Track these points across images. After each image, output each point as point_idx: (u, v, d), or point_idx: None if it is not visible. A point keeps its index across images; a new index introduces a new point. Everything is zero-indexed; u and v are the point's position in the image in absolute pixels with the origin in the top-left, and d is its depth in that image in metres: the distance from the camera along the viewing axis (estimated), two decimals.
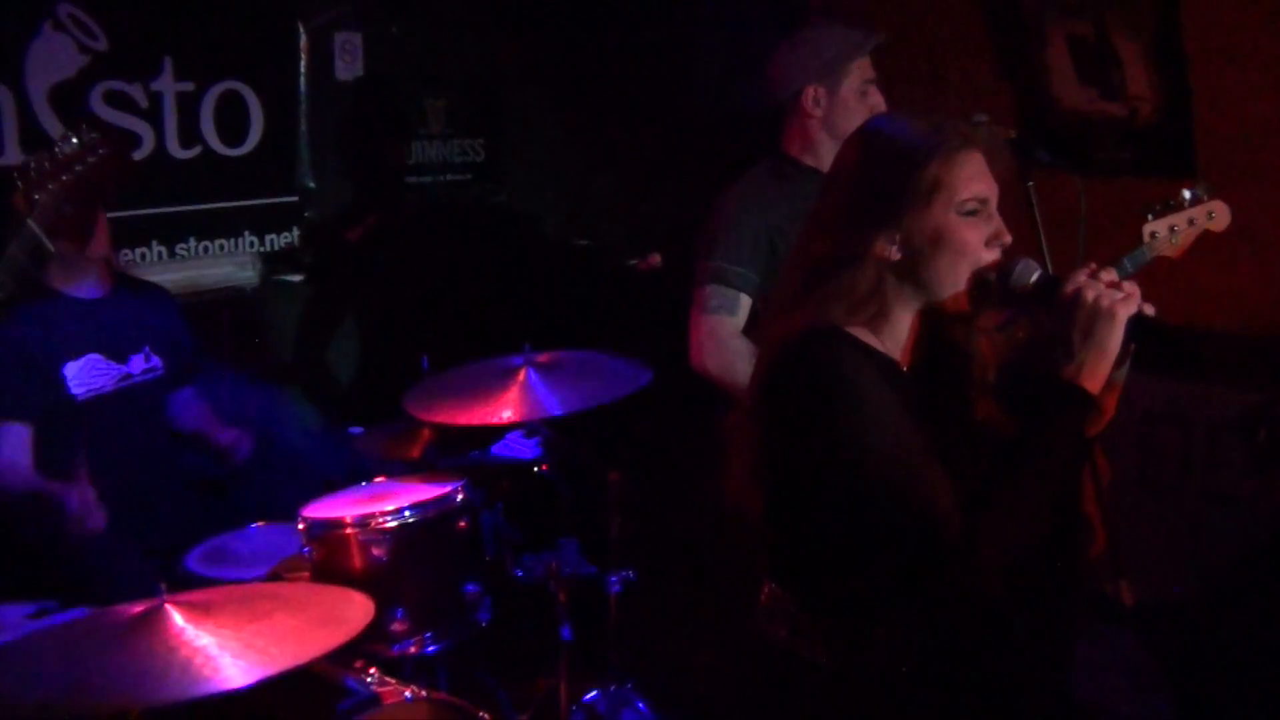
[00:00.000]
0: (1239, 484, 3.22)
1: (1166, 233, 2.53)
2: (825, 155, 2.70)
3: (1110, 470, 3.19)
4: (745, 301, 2.65)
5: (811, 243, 1.67)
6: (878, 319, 1.64)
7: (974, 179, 1.64)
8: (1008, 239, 1.66)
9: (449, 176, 4.16)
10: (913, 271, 1.64)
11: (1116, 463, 3.32)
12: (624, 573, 2.76)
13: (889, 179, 1.62)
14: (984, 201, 1.64)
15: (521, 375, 2.68)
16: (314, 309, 3.89)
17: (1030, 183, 2.46)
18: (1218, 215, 2.59)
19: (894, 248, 1.63)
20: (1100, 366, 1.57)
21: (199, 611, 1.71)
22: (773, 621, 1.69)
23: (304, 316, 3.88)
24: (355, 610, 1.83)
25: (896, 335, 1.66)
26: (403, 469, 2.84)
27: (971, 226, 1.63)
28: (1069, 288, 1.59)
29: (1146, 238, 2.53)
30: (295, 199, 3.84)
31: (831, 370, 1.54)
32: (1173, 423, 3.40)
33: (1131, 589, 2.49)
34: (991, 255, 1.65)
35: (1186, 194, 2.57)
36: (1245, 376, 3.22)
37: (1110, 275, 1.60)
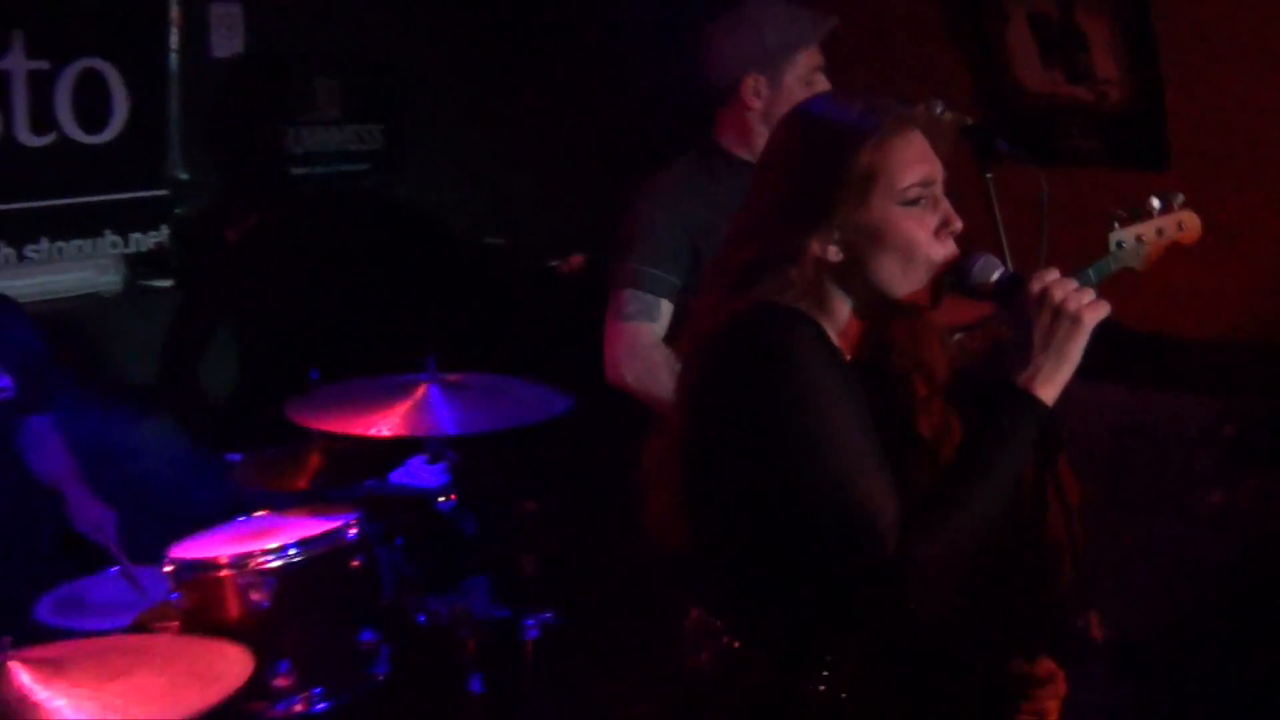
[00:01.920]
0: (1213, 502, 3.31)
1: (1133, 243, 2.56)
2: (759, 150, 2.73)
3: (1079, 491, 3.25)
4: (666, 308, 2.67)
5: (737, 247, 1.68)
6: (815, 310, 1.66)
7: (914, 162, 1.66)
8: (958, 225, 1.69)
9: (342, 167, 4.13)
10: (857, 274, 1.66)
11: (1085, 483, 3.40)
12: (541, 615, 2.75)
13: (818, 171, 1.63)
14: (928, 186, 1.66)
15: (421, 391, 2.69)
16: (186, 319, 3.82)
17: (989, 174, 2.50)
18: (1188, 227, 2.62)
19: (831, 248, 1.65)
20: (1059, 375, 1.61)
21: (49, 669, 1.68)
22: (699, 650, 1.70)
23: (174, 327, 3.81)
24: (232, 665, 1.81)
25: (837, 329, 1.68)
26: (288, 501, 2.83)
27: (916, 218, 1.65)
28: (1035, 287, 1.61)
29: (1113, 247, 2.56)
30: (165, 193, 3.76)
31: (783, 350, 1.55)
32: (1145, 439, 3.47)
33: (1103, 622, 2.53)
34: (944, 248, 1.68)
35: (1155, 202, 2.60)
36: (1223, 385, 3.31)
37: (1073, 283, 1.64)
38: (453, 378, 2.79)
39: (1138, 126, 3.45)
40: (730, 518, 1.63)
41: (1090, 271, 2.54)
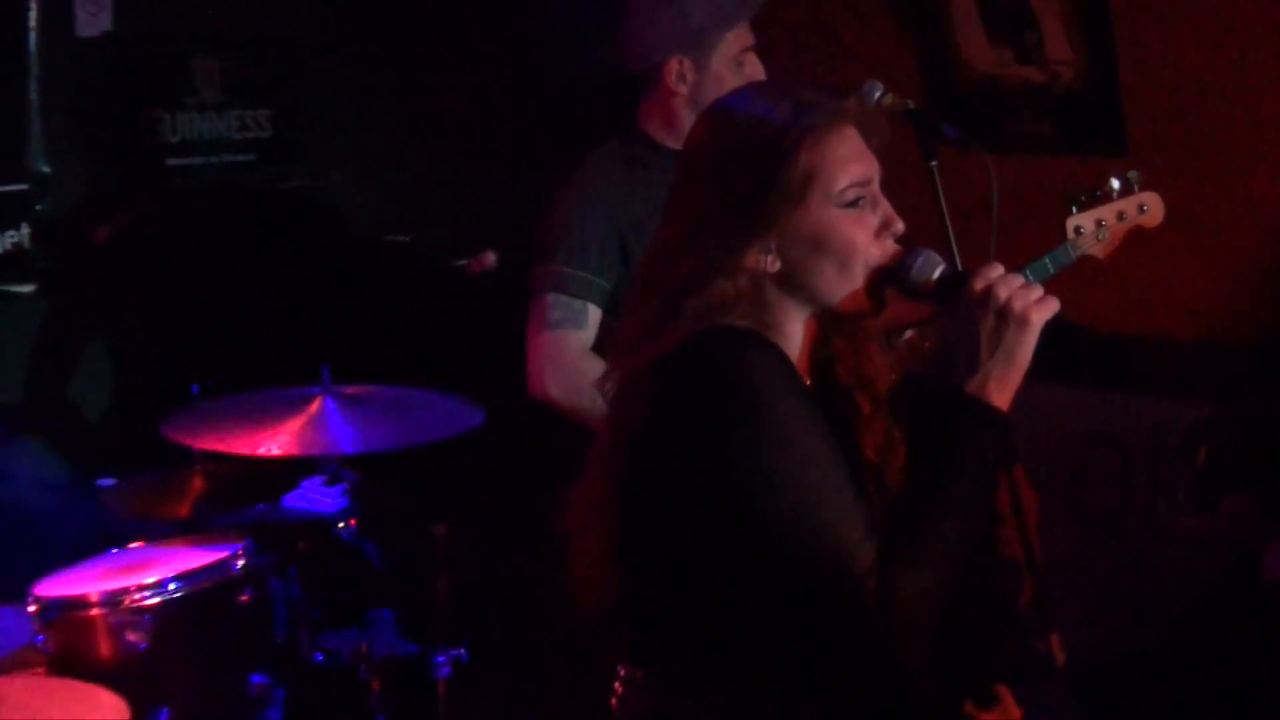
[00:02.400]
0: (1183, 513, 3.36)
1: (1093, 228, 2.63)
2: None
3: (1038, 503, 3.29)
4: (594, 313, 2.68)
5: (665, 264, 1.69)
6: (767, 329, 1.68)
7: (850, 161, 1.68)
8: (899, 226, 1.69)
9: (225, 157, 4.07)
10: (796, 281, 1.69)
11: (1044, 494, 3.44)
12: (454, 652, 2.75)
13: (752, 178, 1.65)
14: (865, 185, 1.69)
15: (315, 406, 2.68)
16: (50, 328, 3.75)
17: (934, 162, 2.50)
18: (1150, 209, 2.67)
19: (770, 258, 1.67)
20: (1010, 379, 1.62)
21: None
22: (633, 702, 1.70)
23: (37, 338, 3.74)
24: (104, 712, 1.78)
25: (793, 348, 1.70)
26: (167, 530, 2.81)
27: (856, 220, 1.68)
28: (977, 285, 1.64)
29: (1070, 234, 2.63)
30: (24, 187, 3.66)
31: (747, 377, 1.57)
32: (1109, 445, 3.52)
33: (1064, 645, 2.56)
34: (884, 249, 1.69)
35: (1115, 183, 2.65)
36: (1190, 388, 3.37)
37: (1020, 279, 1.65)
38: (351, 390, 2.78)
39: (1093, 110, 3.50)
40: (682, 564, 1.63)
41: (1047, 261, 2.59)
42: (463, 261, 4.05)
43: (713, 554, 1.60)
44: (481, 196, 4.28)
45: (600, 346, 2.67)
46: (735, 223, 1.65)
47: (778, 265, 1.67)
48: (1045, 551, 2.95)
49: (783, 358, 1.62)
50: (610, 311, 2.68)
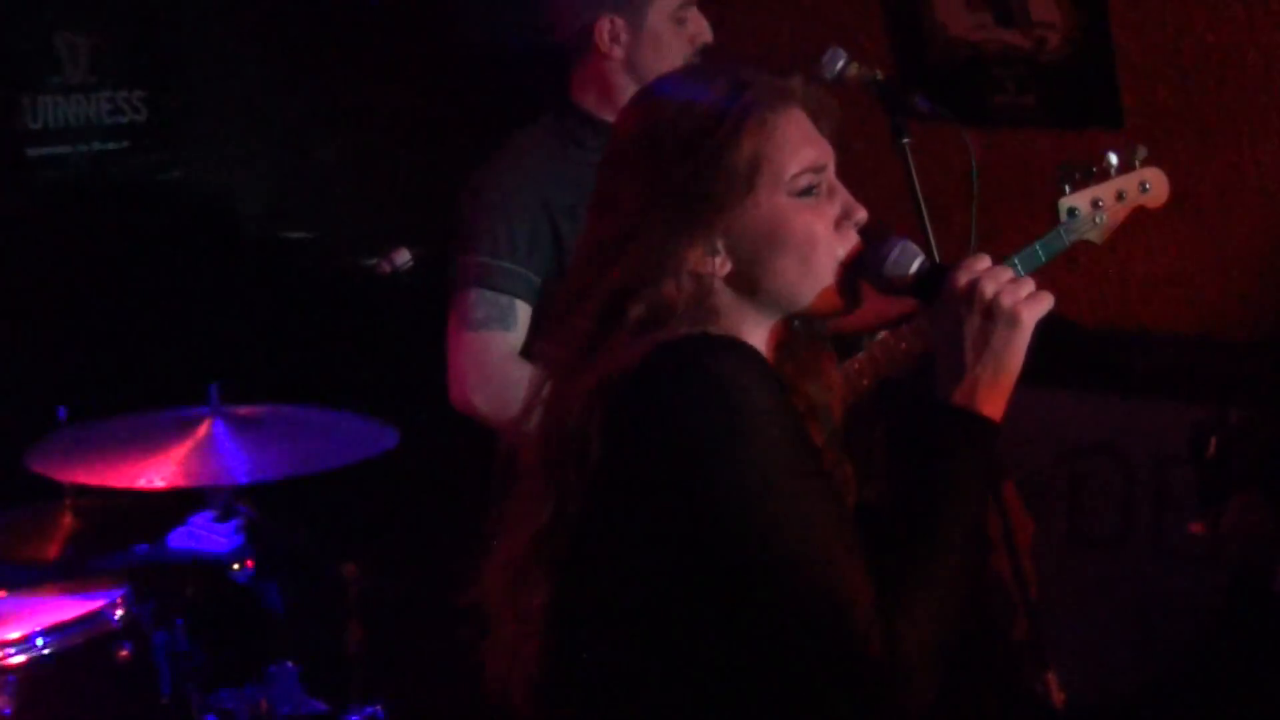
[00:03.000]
0: (1193, 533, 3.33)
1: (1089, 209, 2.65)
2: None
3: (1032, 525, 3.31)
4: (523, 311, 2.69)
5: (596, 270, 1.69)
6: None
7: (800, 145, 1.69)
8: (862, 214, 1.70)
9: (96, 145, 4.05)
10: (756, 284, 1.69)
11: (1037, 513, 3.46)
12: (368, 709, 2.73)
13: (689, 167, 1.65)
14: (819, 171, 1.69)
15: (203, 429, 2.67)
16: None
17: (906, 140, 2.52)
18: (1153, 186, 2.70)
19: (718, 259, 1.67)
20: (1000, 385, 1.62)
21: None
22: None
23: None
24: None
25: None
26: (33, 576, 2.76)
27: (812, 209, 1.69)
28: (961, 279, 1.64)
29: (1063, 216, 2.64)
30: None
31: (731, 390, 1.55)
32: (1108, 456, 3.55)
33: (1063, 684, 2.57)
34: (848, 241, 1.70)
35: (1113, 158, 2.67)
36: (1197, 389, 3.39)
37: (1009, 273, 1.65)
38: (244, 411, 2.77)
39: (1083, 78, 3.53)
40: (639, 626, 1.61)
41: (1038, 248, 2.61)
42: (373, 260, 3.95)
43: (682, 611, 1.59)
44: (394, 185, 4.26)
45: (531, 349, 2.67)
46: (673, 219, 1.65)
47: (729, 266, 1.67)
48: (1040, 578, 2.96)
49: (773, 371, 1.63)
50: (542, 309, 2.69)
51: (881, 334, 2.73)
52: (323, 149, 4.36)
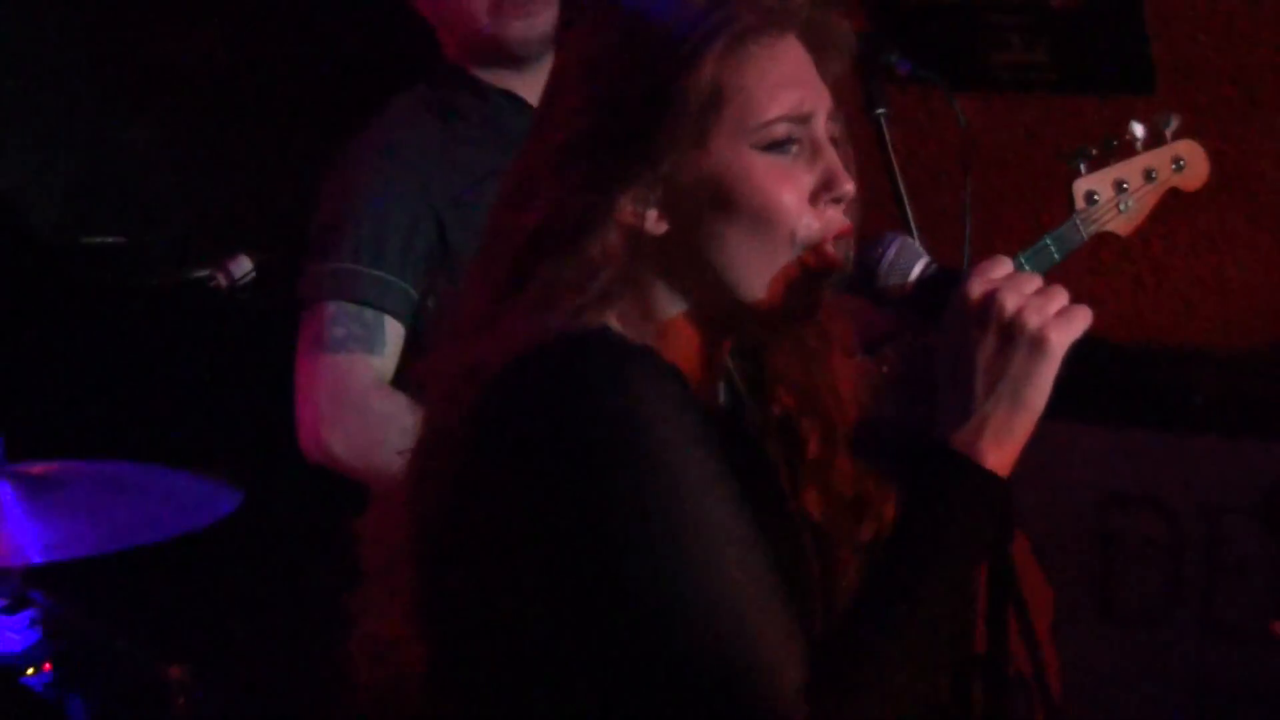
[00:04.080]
0: (1257, 604, 3.37)
1: (1111, 193, 2.66)
2: (527, 66, 2.76)
3: (1050, 597, 3.30)
4: (394, 331, 2.69)
5: (514, 211, 1.70)
6: (640, 325, 1.69)
7: (783, 85, 1.68)
8: (848, 187, 1.69)
9: None
10: (688, 256, 1.69)
11: (1060, 580, 3.47)
12: None
13: (634, 93, 1.65)
14: (803, 122, 1.69)
15: None
16: None
17: (881, 110, 2.53)
18: (1190, 164, 2.72)
19: (651, 213, 1.67)
20: (1015, 428, 1.61)
21: None
22: None
23: None
24: None
25: (677, 359, 1.69)
26: None
27: (781, 171, 1.68)
28: (975, 290, 1.63)
29: (1079, 202, 2.66)
30: None
31: (622, 409, 1.56)
32: (1149, 508, 3.54)
33: None
34: (823, 222, 1.69)
35: (1138, 129, 2.69)
36: (1257, 422, 3.41)
37: (1036, 282, 1.64)
38: (37, 469, 2.69)
39: (1105, 29, 3.53)
40: (519, 683, 1.62)
41: (1049, 243, 2.62)
42: (203, 272, 3.93)
43: (574, 669, 1.59)
44: (227, 174, 4.22)
45: (406, 378, 2.65)
46: (606, 156, 1.65)
47: (663, 226, 1.67)
48: (1064, 661, 2.95)
49: (682, 387, 1.61)
50: (421, 327, 2.69)
51: (858, 358, 2.72)
52: (136, 134, 4.30)
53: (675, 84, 1.63)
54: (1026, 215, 2.63)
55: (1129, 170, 2.67)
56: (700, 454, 1.57)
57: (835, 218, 1.68)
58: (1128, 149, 2.67)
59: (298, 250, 2.79)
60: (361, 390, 2.66)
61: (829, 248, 1.68)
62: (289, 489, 2.68)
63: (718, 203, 1.66)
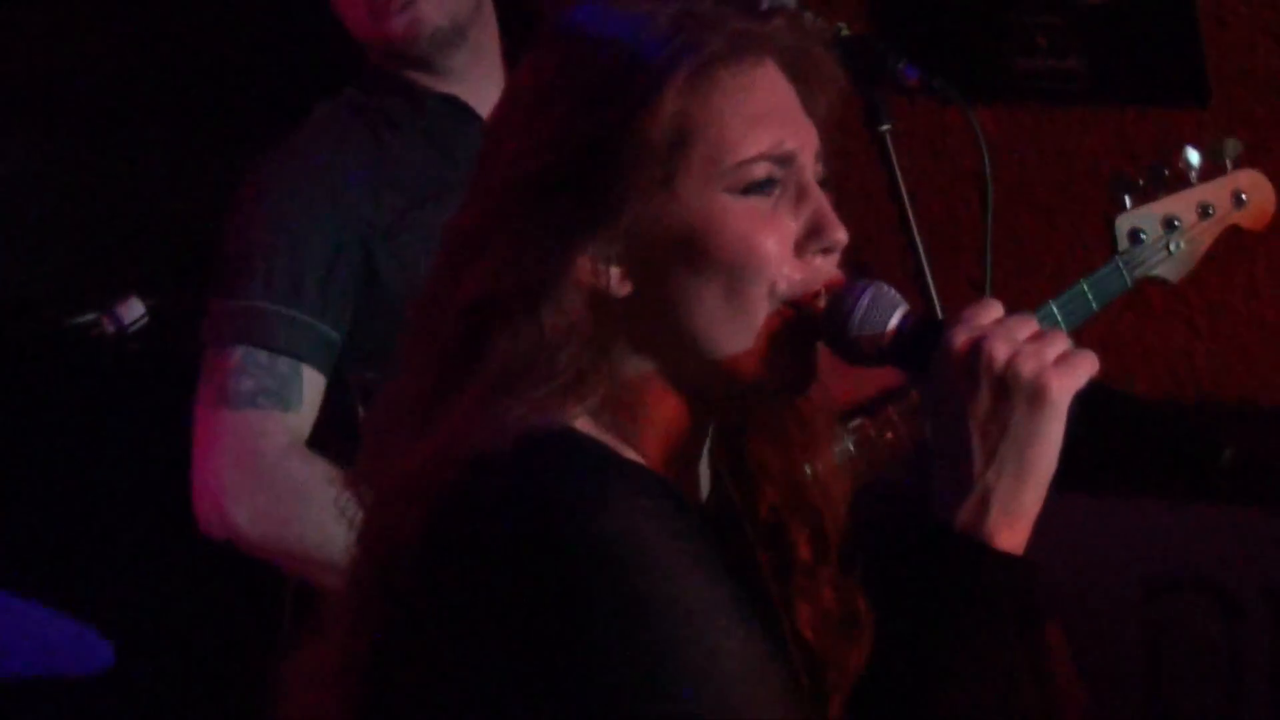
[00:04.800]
0: None
1: (1159, 232, 2.66)
2: (451, 65, 2.77)
3: (1082, 700, 3.26)
4: (313, 382, 2.69)
5: (456, 275, 1.70)
6: (616, 414, 1.69)
7: (760, 119, 1.68)
8: (840, 235, 1.69)
9: None
10: (659, 320, 1.69)
11: (1103, 683, 3.44)
12: None
13: (588, 133, 1.65)
14: (785, 162, 1.68)
15: None
16: None
17: (885, 126, 2.54)
18: (1253, 197, 2.72)
19: (614, 271, 1.67)
20: (1023, 496, 1.61)
21: None
22: None
23: None
24: None
25: (656, 446, 1.71)
26: None
27: (763, 217, 1.68)
28: (958, 339, 1.63)
29: (1123, 241, 2.65)
30: None
31: (600, 529, 1.55)
32: (1202, 592, 3.53)
33: None
34: (810, 274, 1.69)
35: (1193, 157, 2.69)
36: None
37: (1030, 325, 1.64)
38: None
39: (1148, 33, 3.53)
40: None
41: (1085, 289, 2.60)
42: (87, 317, 3.94)
43: None
44: (114, 203, 4.18)
45: (325, 435, 2.67)
46: (560, 203, 1.66)
47: (627, 286, 1.68)
48: None
49: (672, 500, 1.62)
50: (345, 377, 2.69)
51: (856, 421, 2.72)
52: (12, 158, 4.27)
53: (634, 122, 1.64)
54: (1058, 251, 2.60)
55: (1181, 205, 2.67)
56: (702, 580, 1.58)
57: (824, 268, 1.68)
58: (1180, 179, 2.66)
59: (200, 290, 2.79)
60: (274, 453, 2.65)
61: (819, 302, 1.68)
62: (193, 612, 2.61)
63: (689, 256, 1.66)
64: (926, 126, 2.48)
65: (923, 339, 1.66)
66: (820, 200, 1.69)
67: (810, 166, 1.70)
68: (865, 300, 1.67)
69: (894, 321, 1.67)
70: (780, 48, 1.71)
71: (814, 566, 1.79)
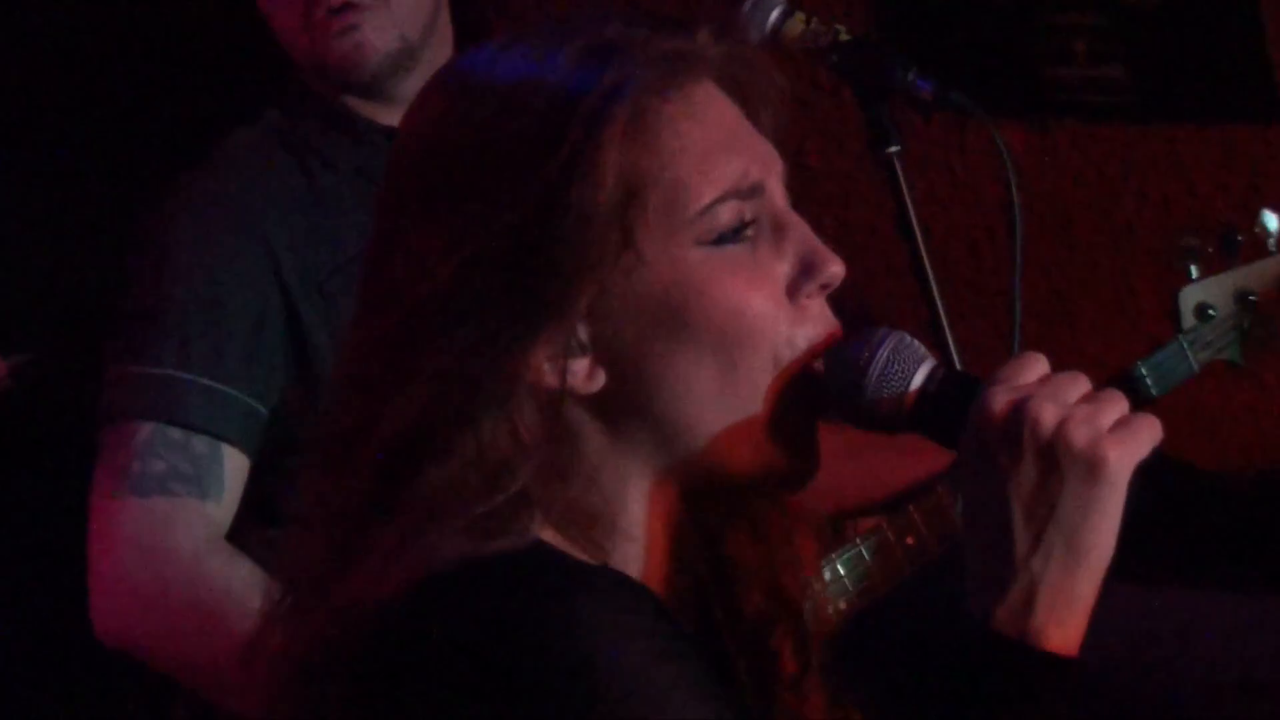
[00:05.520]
0: None
1: (1231, 309, 2.67)
2: (394, 93, 2.77)
3: None
4: (236, 466, 2.67)
5: (365, 403, 1.69)
6: (585, 524, 1.69)
7: (717, 151, 1.69)
8: (837, 268, 1.69)
9: None
10: (639, 413, 1.69)
11: None
12: None
13: (516, 211, 1.64)
14: (754, 195, 1.69)
15: None
16: None
17: (894, 148, 2.55)
18: None
19: (579, 364, 1.67)
20: (1080, 587, 1.61)
21: None
22: None
23: None
24: None
25: (633, 550, 1.73)
26: None
27: (744, 267, 1.69)
28: (997, 401, 1.62)
29: (1188, 318, 2.67)
30: None
31: (574, 653, 1.55)
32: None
33: None
34: (809, 322, 1.69)
35: (1271, 222, 2.68)
36: None
37: (1082, 385, 1.62)
38: None
39: (1206, 37, 3.53)
40: None
41: (1145, 373, 2.62)
42: None
43: None
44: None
45: (247, 531, 2.65)
46: (497, 300, 1.65)
47: (599, 379, 1.67)
48: None
49: (658, 614, 1.62)
50: (272, 458, 2.67)
51: (873, 523, 2.72)
52: None
53: (572, 188, 1.62)
54: (1102, 296, 2.58)
55: (1257, 278, 2.68)
56: (690, 702, 1.57)
57: (823, 315, 1.69)
58: (1256, 246, 2.66)
59: (87, 350, 2.79)
60: (189, 551, 2.63)
61: (817, 363, 1.68)
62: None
63: (670, 328, 1.66)
64: (943, 148, 2.46)
65: (955, 401, 1.65)
66: (803, 229, 1.69)
67: (780, 193, 1.71)
68: (884, 353, 1.66)
69: (919, 379, 1.67)
70: (715, 64, 1.72)
71: (797, 679, 1.80)
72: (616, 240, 1.64)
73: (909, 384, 1.67)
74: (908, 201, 2.52)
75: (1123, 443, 1.59)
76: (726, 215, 1.66)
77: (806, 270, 1.68)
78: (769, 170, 1.70)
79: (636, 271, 1.65)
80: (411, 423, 1.64)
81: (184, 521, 2.63)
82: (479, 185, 1.66)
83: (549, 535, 1.66)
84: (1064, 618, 1.60)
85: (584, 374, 1.66)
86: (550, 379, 1.64)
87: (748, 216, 1.68)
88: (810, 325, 1.69)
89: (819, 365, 1.69)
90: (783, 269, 1.68)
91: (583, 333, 1.66)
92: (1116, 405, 1.61)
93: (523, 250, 1.63)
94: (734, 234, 1.67)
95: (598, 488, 1.70)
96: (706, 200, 1.65)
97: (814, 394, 1.68)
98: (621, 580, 1.64)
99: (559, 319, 1.64)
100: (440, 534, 1.62)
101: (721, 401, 1.67)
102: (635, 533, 1.72)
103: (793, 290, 1.68)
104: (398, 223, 1.71)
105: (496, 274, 1.65)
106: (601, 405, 1.68)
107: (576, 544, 1.67)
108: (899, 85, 2.58)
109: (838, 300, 1.69)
